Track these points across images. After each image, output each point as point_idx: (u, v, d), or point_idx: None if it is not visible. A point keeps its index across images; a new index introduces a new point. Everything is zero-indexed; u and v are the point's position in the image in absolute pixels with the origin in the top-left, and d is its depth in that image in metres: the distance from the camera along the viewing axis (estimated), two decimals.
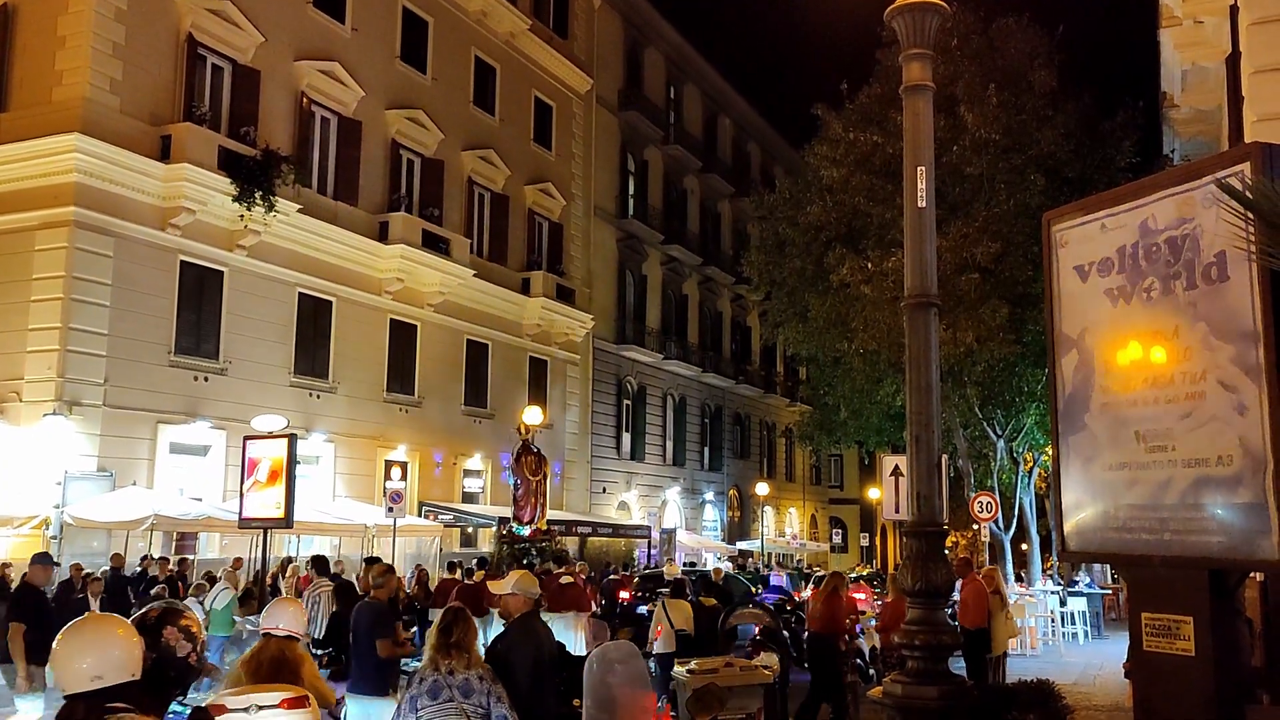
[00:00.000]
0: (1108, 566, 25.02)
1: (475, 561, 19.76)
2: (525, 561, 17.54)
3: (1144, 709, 4.54)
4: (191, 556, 19.32)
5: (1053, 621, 21.47)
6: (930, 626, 5.40)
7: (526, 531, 18.88)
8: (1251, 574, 5.51)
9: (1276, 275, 4.01)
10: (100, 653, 3.13)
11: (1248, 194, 3.89)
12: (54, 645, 3.19)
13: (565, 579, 16.04)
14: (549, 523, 19.80)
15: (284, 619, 5.81)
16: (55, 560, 11.98)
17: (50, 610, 10.29)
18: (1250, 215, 3.86)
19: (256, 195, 20.91)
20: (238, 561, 17.27)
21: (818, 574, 20.77)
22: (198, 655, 3.57)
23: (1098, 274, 4.95)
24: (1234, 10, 8.51)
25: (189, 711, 3.55)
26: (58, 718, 3.13)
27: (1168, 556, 4.47)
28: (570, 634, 14.87)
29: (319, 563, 14.66)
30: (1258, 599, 6.89)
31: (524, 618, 6.10)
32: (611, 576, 21.63)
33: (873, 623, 14.25)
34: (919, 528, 5.56)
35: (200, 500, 19.43)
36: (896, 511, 12.29)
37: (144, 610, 3.65)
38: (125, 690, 3.11)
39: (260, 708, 4.52)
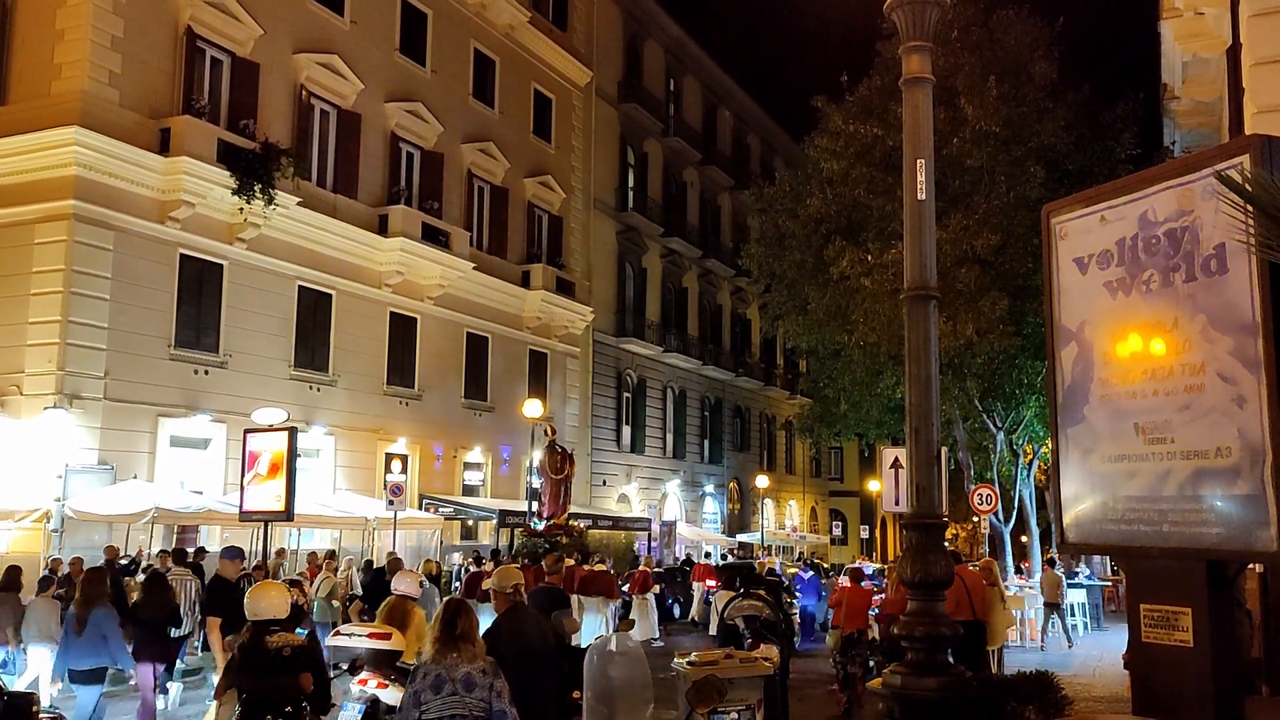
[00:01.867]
0: (1107, 558, 25.08)
1: (489, 553, 20.22)
2: (540, 551, 18.09)
3: (1142, 699, 4.55)
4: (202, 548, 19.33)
5: None
6: (929, 618, 5.40)
7: (542, 526, 19.66)
8: (1251, 565, 5.52)
9: (1275, 267, 4.01)
10: (270, 600, 6.28)
11: (1247, 186, 3.88)
12: (245, 596, 6.35)
13: (598, 566, 17.87)
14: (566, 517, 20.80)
15: (402, 585, 8.39)
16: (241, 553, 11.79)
17: (240, 602, 10.27)
18: (1250, 207, 3.85)
19: (256, 188, 20.88)
20: (330, 559, 17.82)
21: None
22: (308, 604, 6.70)
23: (1097, 266, 4.95)
24: (1234, 2, 8.51)
25: (305, 633, 6.40)
26: (249, 634, 6.11)
27: (1166, 548, 4.47)
28: (598, 619, 15.96)
29: (178, 555, 16.39)
30: (1257, 590, 6.90)
31: (510, 610, 6.09)
32: (657, 569, 23.60)
33: (873, 613, 14.30)
34: (918, 520, 5.55)
35: (201, 493, 19.43)
36: (896, 504, 12.27)
37: None
38: (280, 621, 6.20)
39: (354, 635, 7.13)
